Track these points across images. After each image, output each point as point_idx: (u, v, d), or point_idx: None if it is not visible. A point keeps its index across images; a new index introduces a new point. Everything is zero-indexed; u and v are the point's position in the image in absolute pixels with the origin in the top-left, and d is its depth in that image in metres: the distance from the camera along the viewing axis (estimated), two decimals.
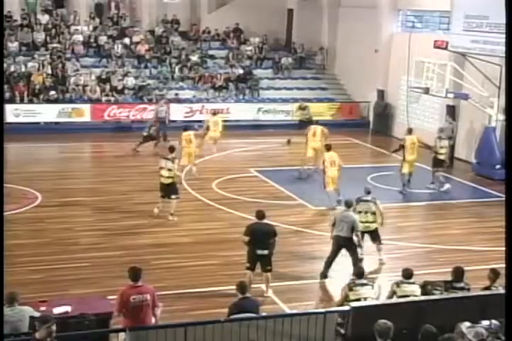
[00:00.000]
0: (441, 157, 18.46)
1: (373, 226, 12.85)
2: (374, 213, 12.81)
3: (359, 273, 9.59)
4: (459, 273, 9.38)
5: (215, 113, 23.07)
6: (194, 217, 15.58)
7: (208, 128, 21.69)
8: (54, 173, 19.14)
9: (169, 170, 15.16)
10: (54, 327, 6.78)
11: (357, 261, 11.97)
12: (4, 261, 8.18)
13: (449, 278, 9.44)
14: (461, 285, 9.33)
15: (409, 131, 18.64)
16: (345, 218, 11.97)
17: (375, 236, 12.96)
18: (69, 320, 8.32)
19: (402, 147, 18.08)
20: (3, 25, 26.36)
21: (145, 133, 22.02)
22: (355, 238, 12.06)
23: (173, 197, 15.36)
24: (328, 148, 16.69)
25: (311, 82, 29.67)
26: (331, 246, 12.27)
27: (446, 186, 18.35)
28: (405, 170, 17.97)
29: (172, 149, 15.61)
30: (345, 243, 12.03)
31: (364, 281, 9.37)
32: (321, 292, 11.95)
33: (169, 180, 15.28)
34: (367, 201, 12.86)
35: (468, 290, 9.46)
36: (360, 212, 12.64)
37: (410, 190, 18.11)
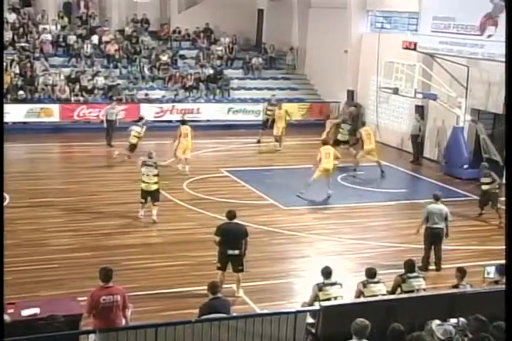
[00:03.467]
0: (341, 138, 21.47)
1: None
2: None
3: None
4: (410, 265, 9.92)
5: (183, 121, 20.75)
6: (165, 217, 15.52)
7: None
8: (22, 174, 18.91)
9: (154, 175, 15.22)
10: None
11: (440, 252, 12.82)
12: (4, 261, 8.09)
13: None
14: (415, 274, 9.83)
15: (363, 124, 21.28)
16: (438, 210, 12.82)
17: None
18: (38, 322, 8.23)
19: (360, 139, 20.35)
20: (3, 26, 26.02)
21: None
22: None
23: (156, 204, 15.39)
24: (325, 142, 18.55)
25: (281, 82, 29.76)
26: (424, 240, 12.90)
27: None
28: (363, 157, 20.14)
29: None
30: (436, 233, 12.79)
31: (333, 281, 9.44)
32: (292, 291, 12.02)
33: (155, 187, 15.32)
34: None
35: (424, 278, 9.84)
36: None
37: (379, 189, 18.33)
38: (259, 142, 23.64)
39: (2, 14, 24.70)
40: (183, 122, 20.45)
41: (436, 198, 13.10)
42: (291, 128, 23.30)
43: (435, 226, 12.79)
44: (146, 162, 15.22)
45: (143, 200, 15.22)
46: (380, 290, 9.43)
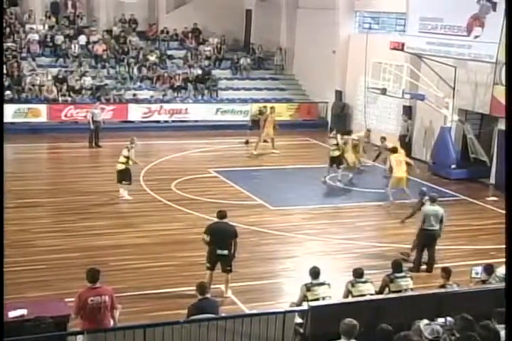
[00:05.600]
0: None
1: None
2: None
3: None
4: (397, 265, 9.99)
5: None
6: (153, 217, 15.50)
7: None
8: (9, 174, 18.75)
9: (124, 157, 16.59)
10: None
11: (434, 254, 12.86)
12: (4, 260, 8.07)
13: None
14: (402, 274, 9.87)
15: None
16: (434, 212, 12.83)
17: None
18: (25, 323, 8.20)
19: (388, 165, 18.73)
20: (3, 26, 25.86)
21: None
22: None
23: (123, 182, 16.76)
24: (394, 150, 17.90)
25: (269, 83, 29.78)
26: (419, 240, 12.91)
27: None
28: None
29: (132, 140, 16.85)
30: (432, 235, 12.80)
31: (321, 281, 9.46)
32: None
33: (122, 166, 16.65)
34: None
35: (411, 278, 9.90)
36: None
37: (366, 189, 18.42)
38: (247, 142, 23.61)
39: (2, 14, 24.61)
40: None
41: (433, 200, 13.11)
42: (280, 128, 23.27)
43: (431, 228, 12.78)
44: (127, 145, 16.67)
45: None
46: (368, 290, 9.45)
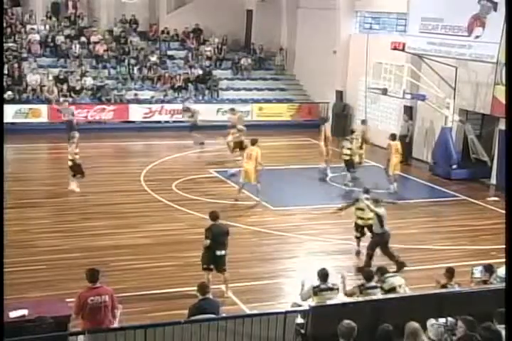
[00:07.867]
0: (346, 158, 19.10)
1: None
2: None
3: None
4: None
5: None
6: (154, 218, 15.49)
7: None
8: (9, 175, 18.78)
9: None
10: None
11: (392, 252, 12.71)
12: (4, 261, 8.04)
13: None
14: (373, 284, 9.49)
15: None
16: (385, 213, 12.65)
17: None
18: (26, 323, 8.19)
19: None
20: (3, 26, 25.87)
21: None
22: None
23: (77, 176, 17.25)
24: (253, 142, 17.27)
25: (270, 83, 29.78)
26: (376, 243, 12.81)
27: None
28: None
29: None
30: (389, 235, 12.75)
31: (330, 285, 9.29)
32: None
33: (70, 163, 17.23)
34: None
35: (382, 288, 9.61)
36: None
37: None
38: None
39: (2, 15, 24.62)
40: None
41: (377, 201, 12.86)
42: (281, 129, 23.26)
43: (387, 228, 12.70)
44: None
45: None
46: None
